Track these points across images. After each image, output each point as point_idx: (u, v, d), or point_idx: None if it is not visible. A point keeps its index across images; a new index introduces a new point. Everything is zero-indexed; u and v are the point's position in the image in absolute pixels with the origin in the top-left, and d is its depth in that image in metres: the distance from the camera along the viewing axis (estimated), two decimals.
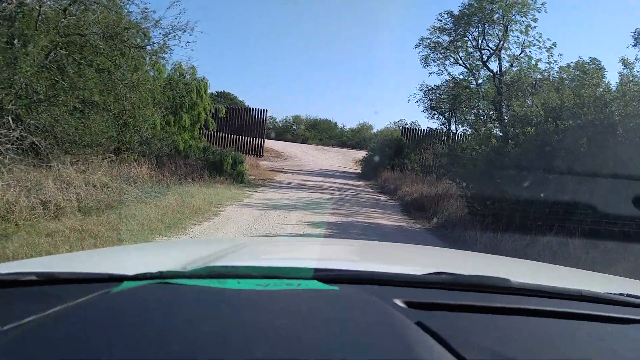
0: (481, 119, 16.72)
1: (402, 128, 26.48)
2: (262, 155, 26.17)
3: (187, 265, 1.25)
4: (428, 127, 23.64)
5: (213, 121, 17.85)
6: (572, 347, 0.92)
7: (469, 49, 15.53)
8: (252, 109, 27.15)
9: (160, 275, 1.04)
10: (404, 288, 1.09)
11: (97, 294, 0.94)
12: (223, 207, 9.39)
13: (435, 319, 0.90)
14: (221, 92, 44.12)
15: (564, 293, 1.16)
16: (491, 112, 14.82)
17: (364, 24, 79.55)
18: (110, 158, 11.97)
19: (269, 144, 29.71)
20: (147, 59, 15.19)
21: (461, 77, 16.41)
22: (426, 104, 22.02)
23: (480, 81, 15.97)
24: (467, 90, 15.46)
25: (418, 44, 17.39)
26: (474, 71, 15.70)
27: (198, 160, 15.07)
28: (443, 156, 17.39)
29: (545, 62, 14.87)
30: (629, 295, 1.18)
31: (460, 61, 16.44)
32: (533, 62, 14.72)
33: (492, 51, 15.24)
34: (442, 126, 22.36)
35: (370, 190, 16.77)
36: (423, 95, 21.92)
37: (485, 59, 15.20)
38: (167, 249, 2.13)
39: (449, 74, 16.72)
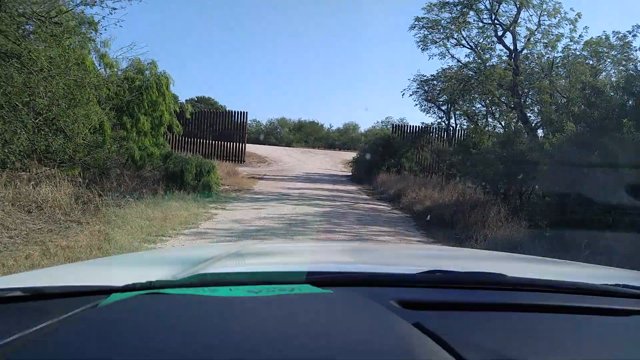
0: (494, 108, 13.48)
1: (393, 125, 23.20)
2: (244, 161, 22.79)
3: (177, 273, 1.17)
4: (423, 123, 20.44)
5: (179, 124, 14.35)
6: (570, 341, 0.85)
7: (480, 23, 12.34)
8: (232, 112, 23.74)
9: (150, 286, 0.95)
10: (398, 288, 1.02)
11: (83, 308, 0.86)
12: (163, 241, 6.04)
13: (432, 318, 0.84)
14: (201, 97, 40.58)
15: (560, 286, 1.08)
16: (509, 98, 11.64)
17: (347, 23, 76.18)
18: (39, 173, 8.65)
19: (251, 148, 26.37)
20: (91, 49, 11.90)
21: (467, 59, 13.22)
22: (422, 96, 18.78)
23: (489, 63, 12.74)
24: (480, 73, 12.23)
25: (413, 25, 14.18)
26: (483, 52, 12.49)
27: (155, 171, 11.68)
28: (450, 154, 14.14)
29: (567, 37, 11.72)
30: (624, 286, 1.10)
31: (464, 41, 13.24)
32: (554, 36, 11.54)
33: (504, 27, 12.06)
34: (440, 120, 19.15)
35: (367, 197, 13.48)
36: (418, 87, 18.68)
37: (501, 34, 12.03)
38: (157, 258, 1.93)
39: (452, 56, 13.52)
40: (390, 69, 67.77)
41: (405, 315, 0.83)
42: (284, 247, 2.62)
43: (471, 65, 12.81)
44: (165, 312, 0.85)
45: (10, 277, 1.56)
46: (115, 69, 12.44)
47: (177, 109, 14.69)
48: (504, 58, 12.49)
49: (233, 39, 70.02)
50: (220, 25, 69.76)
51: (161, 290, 0.92)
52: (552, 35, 11.66)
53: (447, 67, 17.73)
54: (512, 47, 12.10)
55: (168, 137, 16.99)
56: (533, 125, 11.15)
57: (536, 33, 11.76)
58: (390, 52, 68.20)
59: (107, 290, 0.95)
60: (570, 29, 11.49)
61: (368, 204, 11.72)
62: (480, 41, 12.57)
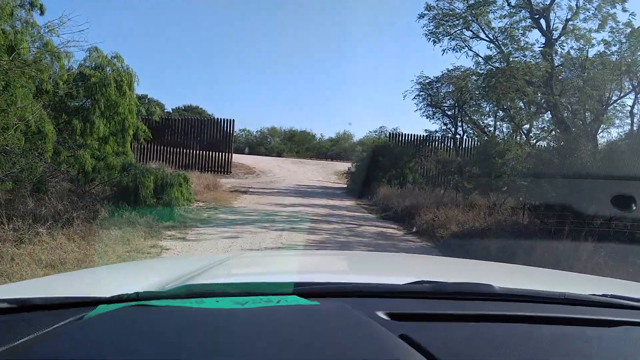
0: (524, 109, 10.84)
1: (390, 134, 20.40)
2: (230, 172, 19.99)
3: (165, 284, 1.10)
4: (427, 130, 17.77)
5: (146, 129, 11.46)
6: (558, 352, 0.81)
7: (507, 7, 9.73)
8: (218, 119, 20.98)
9: (137, 297, 0.91)
10: (386, 299, 0.98)
11: (69, 320, 0.82)
12: None
13: (419, 330, 0.80)
14: (189, 105, 37.82)
15: (548, 297, 1.03)
16: (544, 97, 9.04)
17: (337, 32, 73.77)
18: None
19: (240, 159, 23.60)
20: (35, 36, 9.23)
21: (488, 53, 10.62)
22: (424, 101, 16.17)
23: (513, 57, 10.14)
24: (507, 66, 9.55)
25: (422, 14, 11.58)
26: (511, 40, 9.88)
27: (105, 186, 8.88)
28: (469, 164, 11.47)
29: (613, 23, 9.17)
30: (612, 296, 1.04)
31: (482, 33, 10.65)
32: (604, 16, 8.96)
33: (538, 11, 9.51)
34: (445, 127, 16.51)
35: (370, 215, 10.75)
36: (420, 89, 16.07)
37: (537, 17, 9.41)
38: (145, 268, 1.83)
39: (469, 49, 10.89)
40: (382, 78, 65.39)
41: (392, 327, 0.80)
42: (273, 257, 2.41)
43: (495, 57, 10.21)
44: (152, 324, 0.80)
45: None
46: (66, 61, 9.60)
47: (144, 112, 11.96)
48: (536, 48, 9.90)
49: (222, 48, 67.22)
50: (211, 34, 66.91)
51: (148, 302, 0.87)
52: (600, 15, 9.13)
53: (452, 67, 15.30)
54: (546, 36, 9.53)
55: (134, 146, 14.21)
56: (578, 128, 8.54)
57: (580, 13, 9.23)
58: (382, 61, 65.83)
59: (94, 302, 0.90)
60: (620, 7, 8.96)
61: (374, 226, 8.98)
62: (508, 26, 9.96)
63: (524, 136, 12.29)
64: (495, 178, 9.73)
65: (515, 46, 9.87)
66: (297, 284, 0.98)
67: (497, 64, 10.25)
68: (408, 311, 0.90)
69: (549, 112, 9.42)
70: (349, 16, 57.01)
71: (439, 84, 15.98)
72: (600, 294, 1.06)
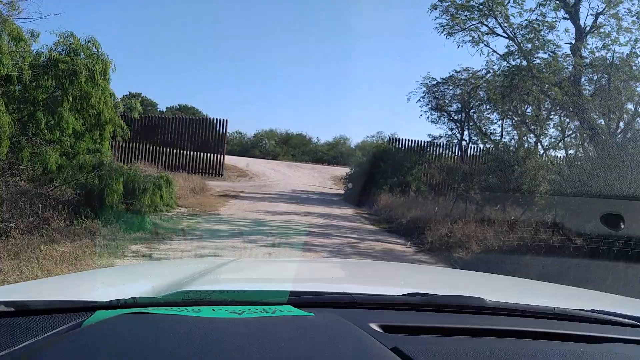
0: (542, 112, 9.65)
1: (390, 139, 19.12)
2: (222, 175, 18.72)
3: (161, 289, 1.08)
4: (430, 135, 16.52)
5: (125, 125, 10.08)
6: None
7: None
8: (210, 119, 19.77)
9: (134, 303, 0.89)
10: (379, 311, 0.97)
11: (67, 326, 0.80)
12: None
13: (411, 343, 0.80)
14: (183, 105, 36.59)
15: (538, 311, 1.02)
16: (572, 98, 7.87)
17: (336, 34, 72.57)
18: None
19: (232, 160, 22.38)
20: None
21: (507, 49, 9.43)
22: (429, 104, 14.98)
23: (535, 57, 8.98)
24: (531, 65, 8.32)
25: (434, 6, 10.40)
26: (535, 34, 8.70)
27: (68, 188, 7.59)
28: (483, 173, 10.27)
29: None
30: (600, 312, 1.03)
31: (501, 28, 9.50)
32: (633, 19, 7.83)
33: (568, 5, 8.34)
34: (451, 132, 15.30)
35: (372, 227, 9.51)
36: (425, 92, 14.90)
37: (573, 2, 8.18)
38: (142, 271, 1.80)
39: (486, 45, 9.67)
40: (381, 82, 64.18)
41: (385, 340, 0.79)
42: (269, 263, 2.36)
43: (516, 55, 9.03)
44: (150, 333, 0.78)
45: None
46: (29, 43, 8.31)
47: (122, 107, 10.67)
48: (563, 44, 8.75)
49: (221, 49, 65.89)
50: (209, 35, 65.64)
51: (145, 310, 0.86)
52: (635, 10, 8.03)
53: (460, 69, 14.17)
54: (578, 29, 8.36)
55: (118, 145, 12.93)
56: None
57: (611, 8, 8.10)
58: (382, 65, 64.60)
59: (91, 307, 0.88)
60: None
61: (377, 241, 7.74)
62: (534, 19, 8.78)
63: (533, 143, 11.17)
64: (514, 190, 8.55)
65: (538, 43, 8.70)
66: (292, 293, 0.97)
67: (516, 62, 9.08)
68: (401, 323, 0.89)
69: (576, 116, 8.26)
70: (348, 18, 55.93)
71: (446, 87, 14.84)
72: (589, 309, 1.03)
